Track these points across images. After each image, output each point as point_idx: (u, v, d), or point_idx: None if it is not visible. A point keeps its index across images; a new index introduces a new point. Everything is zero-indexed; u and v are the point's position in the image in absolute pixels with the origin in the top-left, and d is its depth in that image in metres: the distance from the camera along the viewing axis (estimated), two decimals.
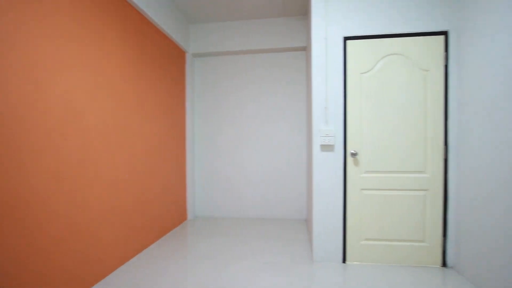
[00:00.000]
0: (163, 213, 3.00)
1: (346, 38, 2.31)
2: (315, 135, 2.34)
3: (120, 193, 2.26)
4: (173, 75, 3.26)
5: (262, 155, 3.72)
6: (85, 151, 1.89)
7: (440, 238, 2.26)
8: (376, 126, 2.29)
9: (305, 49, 3.53)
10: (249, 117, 3.74)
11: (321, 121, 2.33)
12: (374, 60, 2.29)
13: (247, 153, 3.75)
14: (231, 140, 3.78)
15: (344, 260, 2.34)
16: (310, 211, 2.72)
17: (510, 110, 1.66)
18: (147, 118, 2.68)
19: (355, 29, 2.29)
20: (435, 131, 2.24)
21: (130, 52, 2.41)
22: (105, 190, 2.09)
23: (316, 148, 2.34)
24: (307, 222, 3.30)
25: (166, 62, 3.09)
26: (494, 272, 1.80)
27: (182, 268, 2.26)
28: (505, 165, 1.70)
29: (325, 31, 2.32)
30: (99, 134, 2.02)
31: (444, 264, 2.27)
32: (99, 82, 2.03)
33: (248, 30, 3.56)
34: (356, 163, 2.31)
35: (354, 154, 2.28)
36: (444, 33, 2.22)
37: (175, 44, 3.31)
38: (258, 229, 3.24)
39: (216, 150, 3.81)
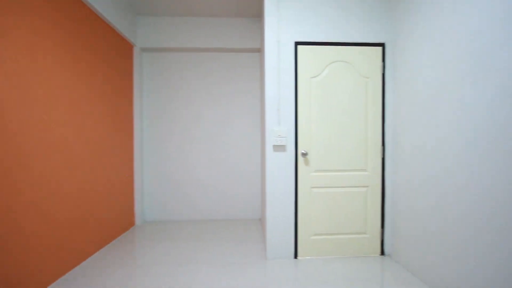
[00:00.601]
0: (108, 219, 2.74)
1: (297, 43, 2.40)
2: (268, 135, 2.39)
3: (55, 198, 2.00)
4: (119, 70, 3.00)
5: (215, 156, 3.66)
6: (14, 152, 1.62)
7: (379, 230, 2.50)
8: (324, 128, 2.44)
9: (259, 51, 3.58)
10: (203, 117, 3.65)
11: (274, 122, 2.39)
12: (322, 65, 2.43)
13: (200, 154, 3.65)
14: (182, 140, 3.64)
15: (296, 256, 2.43)
16: (263, 210, 2.77)
17: (433, 113, 1.92)
18: (88, 116, 2.42)
19: (306, 35, 2.40)
20: (374, 133, 2.47)
21: (67, 45, 2.14)
22: (37, 194, 1.82)
23: (269, 148, 2.39)
24: (262, 221, 3.35)
25: (111, 56, 2.83)
26: (421, 257, 2.05)
27: (130, 275, 2.10)
28: (428, 164, 1.96)
29: (277, 34, 2.39)
30: (30, 133, 1.75)
31: (382, 252, 2.51)
32: (30, 70, 1.76)
33: (201, 28, 3.48)
34: (307, 162, 2.42)
35: (304, 154, 2.39)
36: (382, 45, 2.46)
37: (120, 36, 3.06)
38: (211, 231, 3.17)
39: (166, 151, 3.63)
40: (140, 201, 3.46)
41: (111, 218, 2.81)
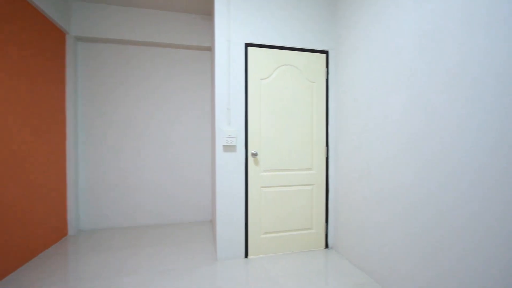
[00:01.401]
0: (35, 229, 2.37)
1: (248, 45, 2.43)
2: (218, 135, 2.36)
3: None
4: (46, 61, 2.63)
5: (162, 157, 3.48)
6: None
7: (324, 225, 2.67)
8: (273, 129, 2.51)
9: (210, 49, 3.52)
10: (149, 116, 3.42)
11: (224, 122, 2.37)
12: (271, 68, 2.49)
13: (145, 154, 3.42)
14: (125, 140, 3.36)
15: (246, 255, 2.45)
16: (214, 211, 2.72)
17: (367, 118, 2.13)
18: (5, 111, 2.06)
19: (256, 37, 2.44)
20: (319, 134, 2.63)
21: None
22: None
23: (219, 149, 2.36)
24: (212, 222, 3.29)
25: (36, 43, 2.46)
26: (360, 248, 2.26)
27: None
28: (364, 163, 2.16)
29: (228, 34, 2.37)
30: None
31: (326, 245, 2.69)
32: None
33: (147, 20, 3.26)
34: (256, 162, 2.46)
35: (254, 154, 2.42)
36: (326, 52, 2.64)
37: (49, 21, 2.69)
38: (158, 237, 3.00)
39: (106, 153, 3.31)
40: (74, 208, 3.08)
41: (38, 228, 2.44)
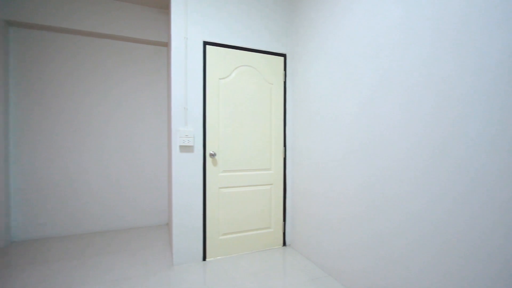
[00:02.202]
0: None
1: (206, 43, 2.38)
2: (174, 135, 2.27)
3: None
4: None
5: (112, 158, 3.23)
6: None
7: (281, 223, 2.73)
8: (232, 129, 2.50)
9: (167, 45, 3.37)
10: (97, 114, 3.15)
11: (181, 122, 2.29)
12: (231, 68, 2.48)
13: (91, 156, 3.14)
14: (68, 139, 3.05)
15: (204, 258, 2.39)
16: (170, 214, 2.61)
17: (321, 120, 2.24)
18: None
19: (215, 36, 2.40)
20: (277, 135, 2.70)
21: None
22: None
23: (175, 149, 2.27)
24: (169, 226, 3.15)
25: None
26: (314, 245, 2.36)
27: None
28: (313, 163, 2.28)
29: (185, 30, 2.30)
30: None
31: (284, 243, 2.76)
32: None
33: (95, 9, 3.00)
34: (215, 163, 2.42)
35: (213, 155, 2.38)
36: (284, 55, 2.71)
37: None
38: (107, 244, 2.77)
39: (45, 152, 2.96)
40: (4, 217, 2.70)
41: None
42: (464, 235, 1.24)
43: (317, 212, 2.31)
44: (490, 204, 1.14)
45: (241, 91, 2.52)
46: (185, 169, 2.30)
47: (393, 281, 1.60)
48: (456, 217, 1.27)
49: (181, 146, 2.28)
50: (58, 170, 3.00)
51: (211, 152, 2.38)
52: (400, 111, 1.55)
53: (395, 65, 1.57)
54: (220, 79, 2.43)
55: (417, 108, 1.45)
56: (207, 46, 2.38)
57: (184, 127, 2.30)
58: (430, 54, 1.38)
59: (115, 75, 3.22)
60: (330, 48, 2.13)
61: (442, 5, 1.32)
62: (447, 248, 1.31)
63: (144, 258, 2.44)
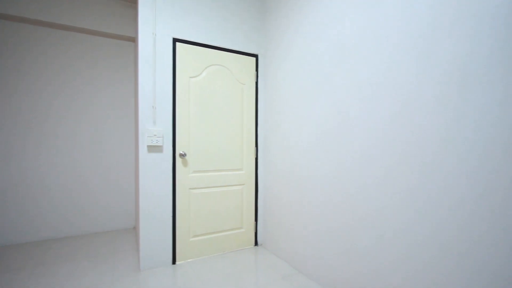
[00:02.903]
0: None
1: (176, 40, 2.32)
2: (142, 135, 2.18)
3: None
4: None
5: (74, 159, 3.03)
6: None
7: (253, 223, 2.74)
8: (203, 129, 2.46)
9: (134, 40, 3.24)
10: (60, 111, 2.94)
11: (149, 121, 2.21)
12: (202, 66, 2.44)
13: (52, 156, 2.92)
14: (24, 138, 2.81)
15: (174, 261, 2.32)
16: (137, 217, 2.50)
17: (292, 121, 2.29)
18: None
19: (185, 34, 2.35)
20: (249, 135, 2.70)
21: None
22: None
23: (143, 149, 2.18)
24: (136, 229, 3.02)
25: None
26: (286, 244, 2.40)
27: None
28: (286, 163, 2.32)
29: (153, 27, 2.22)
30: None
31: (256, 243, 2.77)
32: None
33: (60, 0, 2.80)
34: (185, 163, 2.37)
35: (183, 155, 2.33)
36: (256, 56, 2.73)
37: None
38: (69, 251, 2.58)
39: (1, 155, 2.71)
40: None
41: None
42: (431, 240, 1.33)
43: (288, 211, 2.35)
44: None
45: (213, 90, 2.50)
46: (153, 170, 2.22)
47: (360, 273, 1.67)
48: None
49: (149, 146, 2.20)
50: (11, 173, 2.75)
51: (181, 152, 2.33)
52: (367, 112, 1.63)
53: (362, 67, 1.65)
54: (190, 77, 2.39)
55: (380, 109, 1.54)
56: (177, 44, 2.32)
57: (153, 127, 2.22)
58: (393, 59, 1.47)
59: (80, 72, 3.02)
60: (302, 50, 2.18)
61: (407, 12, 1.42)
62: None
63: (109, 264, 2.32)
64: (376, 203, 1.55)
